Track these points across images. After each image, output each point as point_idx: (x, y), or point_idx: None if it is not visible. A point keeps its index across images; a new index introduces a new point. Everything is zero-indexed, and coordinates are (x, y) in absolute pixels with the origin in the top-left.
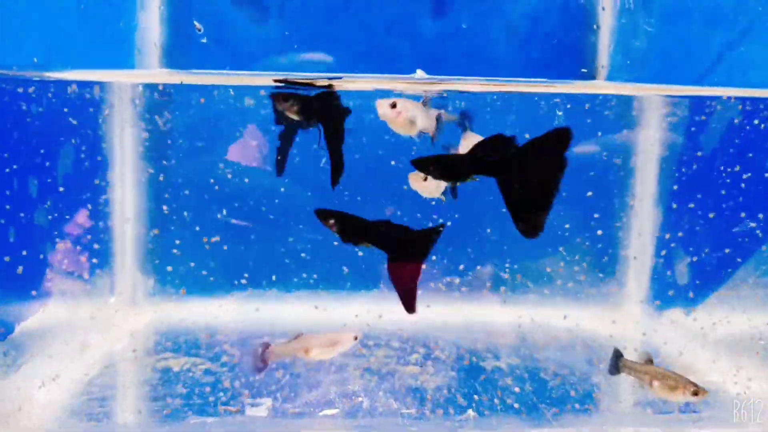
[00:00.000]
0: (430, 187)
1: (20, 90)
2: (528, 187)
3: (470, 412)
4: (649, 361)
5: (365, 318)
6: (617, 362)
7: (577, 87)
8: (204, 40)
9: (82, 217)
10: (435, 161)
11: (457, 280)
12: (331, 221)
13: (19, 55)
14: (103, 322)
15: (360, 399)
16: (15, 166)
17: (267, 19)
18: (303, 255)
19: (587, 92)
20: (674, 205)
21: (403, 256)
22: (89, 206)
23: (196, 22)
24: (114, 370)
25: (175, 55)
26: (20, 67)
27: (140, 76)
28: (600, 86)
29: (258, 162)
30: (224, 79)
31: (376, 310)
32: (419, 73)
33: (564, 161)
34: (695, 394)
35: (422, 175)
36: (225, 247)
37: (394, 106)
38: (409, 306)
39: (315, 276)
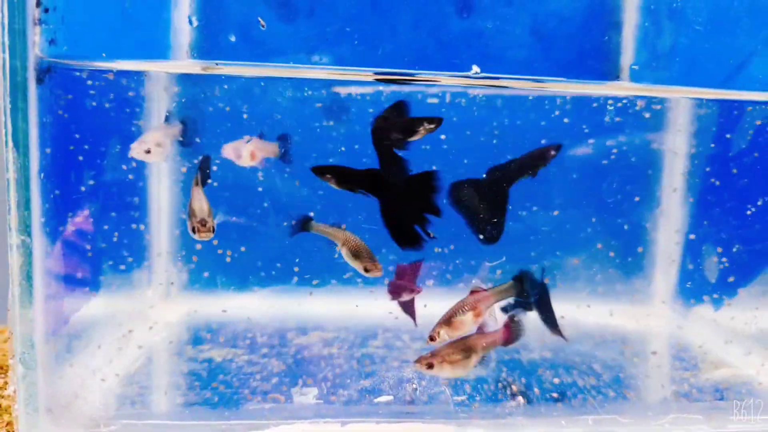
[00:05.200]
0: None
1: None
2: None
3: (520, 398)
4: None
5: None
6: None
7: (599, 89)
8: (232, 38)
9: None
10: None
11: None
12: (327, 175)
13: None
14: (142, 314)
15: (414, 386)
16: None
17: (295, 18)
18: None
19: (612, 93)
20: (701, 201)
21: (397, 201)
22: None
23: (260, 19)
24: (158, 360)
25: (204, 52)
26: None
27: (177, 67)
28: (625, 87)
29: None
30: (260, 71)
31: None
32: (475, 69)
33: None
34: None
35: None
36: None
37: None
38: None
39: (349, 274)
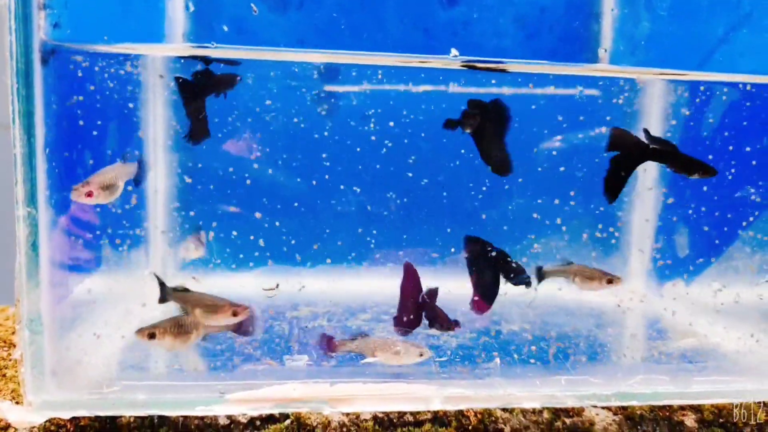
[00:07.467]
0: None
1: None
2: None
3: (497, 360)
4: (569, 263)
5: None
6: (540, 272)
7: (578, 70)
8: (225, 28)
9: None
10: None
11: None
12: None
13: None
14: (140, 291)
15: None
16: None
17: (286, 9)
18: (327, 231)
19: (589, 75)
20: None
21: None
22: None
23: (252, 5)
24: None
25: (197, 40)
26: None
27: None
28: (601, 69)
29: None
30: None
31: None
32: (453, 52)
33: None
34: (610, 281)
35: None
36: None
37: None
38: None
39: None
